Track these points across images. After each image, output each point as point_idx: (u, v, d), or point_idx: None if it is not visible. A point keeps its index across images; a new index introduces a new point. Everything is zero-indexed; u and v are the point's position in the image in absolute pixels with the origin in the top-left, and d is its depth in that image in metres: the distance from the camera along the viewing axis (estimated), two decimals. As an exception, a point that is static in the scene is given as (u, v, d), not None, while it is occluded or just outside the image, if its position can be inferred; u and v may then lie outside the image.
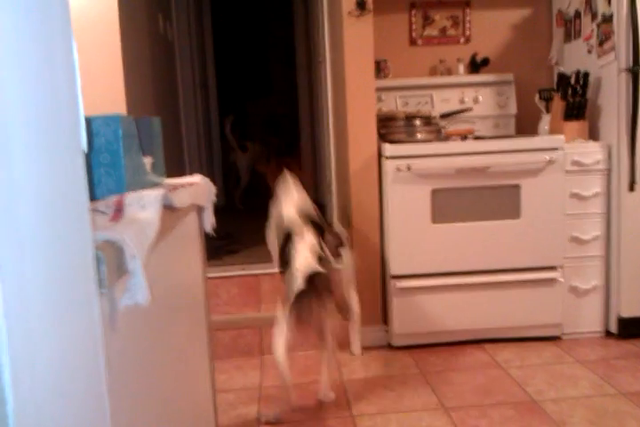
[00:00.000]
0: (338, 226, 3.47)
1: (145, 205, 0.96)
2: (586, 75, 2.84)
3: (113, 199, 0.99)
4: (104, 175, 1.09)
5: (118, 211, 0.93)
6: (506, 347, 2.74)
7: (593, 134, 2.86)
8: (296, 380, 2.49)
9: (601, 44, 2.77)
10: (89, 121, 1.09)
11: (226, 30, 6.80)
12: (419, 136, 2.88)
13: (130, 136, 1.16)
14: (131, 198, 0.98)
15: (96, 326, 0.72)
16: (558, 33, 3.24)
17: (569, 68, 3.07)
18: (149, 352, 1.01)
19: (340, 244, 3.11)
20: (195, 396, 1.43)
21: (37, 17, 0.61)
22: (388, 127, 2.92)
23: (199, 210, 1.53)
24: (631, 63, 2.60)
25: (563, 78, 2.95)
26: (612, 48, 2.67)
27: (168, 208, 1.10)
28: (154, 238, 0.91)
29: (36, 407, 0.55)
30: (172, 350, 1.20)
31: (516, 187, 2.68)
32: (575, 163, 2.71)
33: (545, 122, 3.06)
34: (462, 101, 3.28)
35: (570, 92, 2.88)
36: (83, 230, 0.69)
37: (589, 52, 2.89)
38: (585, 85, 2.84)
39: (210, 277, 2.77)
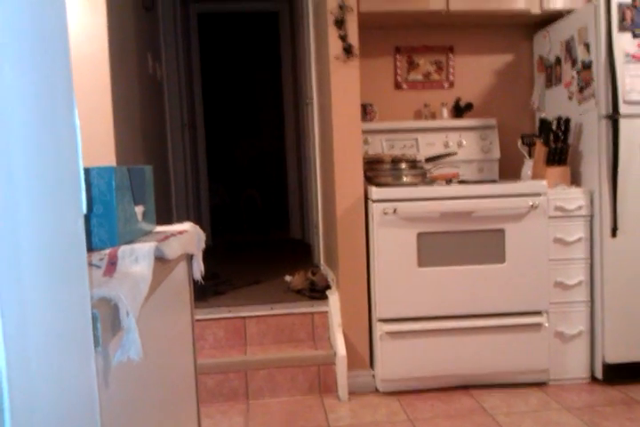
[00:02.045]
0: (324, 268, 3.48)
1: (138, 258, 0.97)
2: (567, 121, 2.91)
3: (106, 252, 0.99)
4: (97, 226, 1.10)
5: (112, 264, 0.94)
6: (493, 393, 2.73)
7: (575, 180, 2.92)
8: (278, 425, 2.46)
9: (581, 90, 2.85)
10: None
11: (214, 70, 6.90)
12: (404, 179, 2.92)
13: (123, 186, 1.18)
14: (123, 251, 0.98)
15: (91, 382, 0.72)
16: (540, 78, 3.33)
17: (551, 113, 3.15)
18: (140, 403, 1.01)
19: (327, 286, 3.12)
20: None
21: (40, 72, 0.62)
22: (375, 170, 2.97)
23: (189, 257, 1.53)
24: (611, 110, 2.67)
25: (544, 124, 3.02)
26: (592, 95, 2.75)
27: (159, 259, 1.11)
28: (147, 293, 0.91)
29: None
30: (161, 399, 1.19)
31: (501, 231, 2.72)
32: (558, 208, 2.76)
33: (528, 167, 3.12)
34: (447, 145, 3.34)
35: (552, 137, 2.95)
36: (81, 289, 0.70)
37: (570, 98, 2.97)
38: (566, 131, 2.91)
39: (196, 320, 2.75)
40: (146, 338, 0.90)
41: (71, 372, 0.66)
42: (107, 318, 0.77)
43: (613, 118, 2.67)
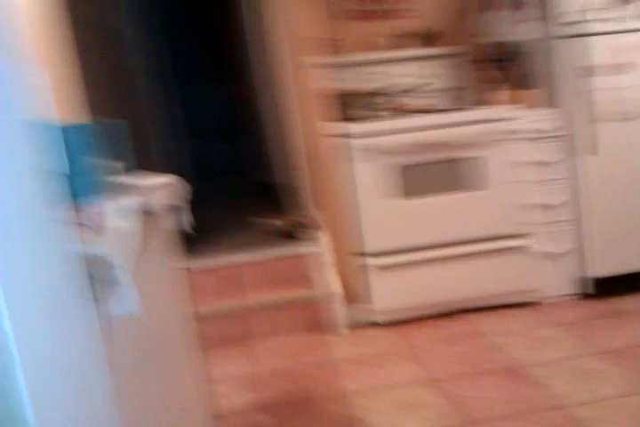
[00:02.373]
0: (313, 211, 3.50)
1: (126, 214, 0.96)
2: (534, 42, 2.85)
3: (94, 210, 0.99)
4: (79, 185, 1.09)
5: (100, 222, 0.93)
6: (488, 315, 2.81)
7: (551, 101, 2.89)
8: (284, 364, 2.53)
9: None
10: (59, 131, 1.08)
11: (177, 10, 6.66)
12: (381, 113, 2.89)
13: (100, 143, 1.16)
14: (111, 209, 0.98)
15: (95, 336, 0.73)
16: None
17: (519, 36, 3.09)
18: (141, 353, 1.03)
19: (316, 226, 3.14)
20: (188, 389, 1.44)
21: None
22: (350, 105, 2.93)
23: (174, 209, 1.53)
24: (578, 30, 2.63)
25: (513, 47, 2.97)
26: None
27: (146, 213, 1.11)
28: (138, 247, 0.92)
29: (52, 411, 0.56)
30: (161, 348, 1.21)
31: (481, 158, 2.72)
32: (536, 130, 2.76)
33: (502, 92, 3.09)
34: (420, 76, 3.29)
35: (521, 60, 2.90)
36: (73, 250, 0.70)
37: (542, 19, 2.91)
38: (532, 54, 2.86)
39: (191, 270, 2.78)
40: (141, 291, 0.91)
41: (74, 330, 0.67)
42: (102, 276, 0.77)
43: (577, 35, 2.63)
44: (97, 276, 0.74)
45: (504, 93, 3.05)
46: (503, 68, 3.05)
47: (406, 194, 2.72)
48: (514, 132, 2.70)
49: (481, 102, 3.35)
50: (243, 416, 2.15)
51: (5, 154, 0.60)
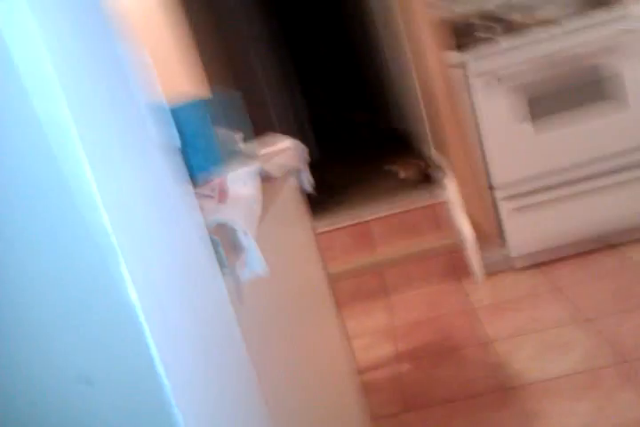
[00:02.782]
0: (436, 156, 3.44)
1: (245, 181, 1.01)
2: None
3: (216, 181, 1.04)
4: (202, 160, 1.15)
5: (223, 192, 0.98)
6: (636, 247, 2.62)
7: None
8: (423, 315, 2.55)
9: None
10: (176, 111, 1.14)
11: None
12: (496, 35, 2.69)
13: (218, 117, 1.21)
14: (231, 177, 1.03)
15: (226, 303, 0.78)
16: None
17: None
18: (276, 316, 1.08)
19: (442, 173, 3.09)
20: (327, 346, 1.50)
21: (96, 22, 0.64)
22: (462, 31, 2.75)
23: (297, 173, 1.57)
24: None
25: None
26: None
27: (266, 179, 1.15)
28: (260, 212, 0.96)
29: (190, 384, 0.61)
30: (295, 310, 1.27)
31: (615, 70, 2.48)
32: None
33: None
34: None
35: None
36: (195, 219, 0.75)
37: None
38: None
39: (321, 232, 2.85)
40: (269, 255, 0.96)
41: (204, 298, 0.72)
42: (227, 242, 0.82)
43: None
44: (222, 242, 0.78)
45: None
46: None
47: (537, 128, 2.56)
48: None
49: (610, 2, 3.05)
50: (386, 368, 2.21)
51: (131, 132, 0.65)
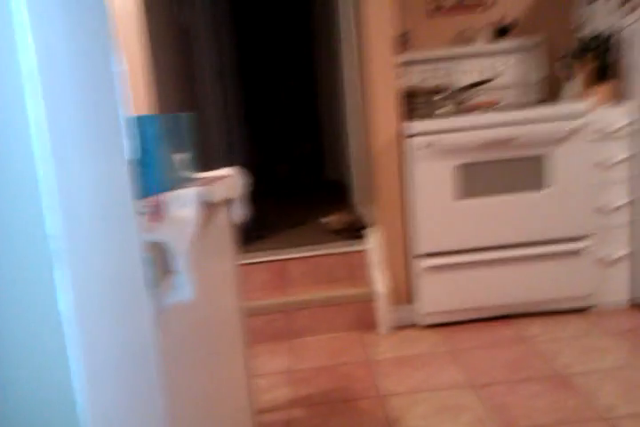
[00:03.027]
0: (362, 207, 3.51)
1: (184, 203, 1.00)
2: (610, 35, 2.79)
3: (154, 199, 1.03)
4: (141, 175, 1.13)
5: (159, 211, 0.97)
6: (534, 321, 2.77)
7: (621, 95, 2.81)
8: (325, 362, 2.56)
9: (625, 1, 2.72)
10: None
11: (244, 17, 6.76)
12: (441, 111, 2.87)
13: (164, 135, 1.20)
14: (170, 198, 1.02)
15: (148, 322, 0.76)
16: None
17: (593, 29, 3.02)
18: (190, 343, 1.06)
19: (365, 225, 3.16)
20: (232, 382, 1.48)
21: (82, 32, 0.63)
22: (410, 103, 2.91)
23: (231, 202, 1.57)
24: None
25: (587, 40, 2.90)
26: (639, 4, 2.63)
27: (204, 204, 1.14)
28: (194, 236, 0.95)
29: (102, 398, 0.59)
30: (211, 339, 1.24)
31: (542, 157, 2.67)
32: (599, 130, 2.68)
33: (569, 87, 3.02)
34: (485, 71, 3.25)
35: (595, 54, 2.83)
36: (133, 235, 0.73)
37: (612, 12, 2.84)
38: (610, 46, 2.79)
39: (241, 264, 2.82)
40: (194, 281, 0.94)
41: (127, 313, 0.70)
42: (158, 261, 0.81)
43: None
44: (154, 262, 0.77)
45: (575, 88, 2.98)
46: (577, 62, 2.97)
47: (461, 194, 2.69)
48: (577, 130, 2.63)
49: (549, 98, 3.29)
50: (281, 412, 2.19)
51: (98, 139, 0.64)
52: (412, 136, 2.66)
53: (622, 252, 2.78)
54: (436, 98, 2.88)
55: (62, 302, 0.52)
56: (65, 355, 0.53)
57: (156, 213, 0.98)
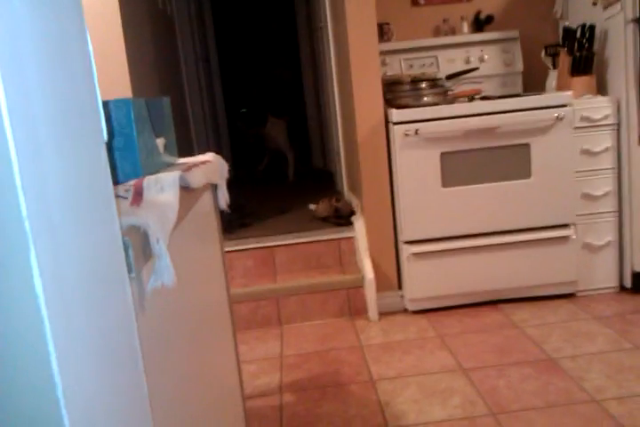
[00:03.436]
0: (348, 194, 3.49)
1: (163, 187, 0.97)
2: (591, 28, 2.79)
3: (132, 183, 1.00)
4: (120, 159, 1.10)
5: (138, 195, 0.94)
6: (521, 306, 2.78)
7: (601, 89, 2.83)
8: (315, 348, 2.55)
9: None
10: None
11: (224, 2, 6.69)
12: (425, 99, 2.86)
13: (142, 118, 1.17)
14: (149, 181, 0.99)
15: (128, 308, 0.74)
16: (562, -14, 3.18)
17: (574, 21, 3.03)
18: (176, 329, 1.04)
19: (352, 212, 3.14)
20: (220, 368, 1.46)
21: (51, 9, 0.61)
22: (394, 92, 2.90)
23: (213, 188, 1.54)
24: (638, 14, 2.55)
25: (568, 33, 2.91)
26: None
27: (185, 189, 1.12)
28: (175, 220, 0.93)
29: (81, 385, 0.57)
30: (197, 326, 1.22)
31: (526, 146, 2.67)
32: (584, 119, 2.70)
33: (552, 78, 3.03)
34: (468, 61, 3.25)
35: (576, 46, 2.84)
36: (110, 218, 0.71)
37: (594, 4, 2.84)
38: (591, 39, 2.80)
39: (225, 251, 2.80)
40: (177, 266, 0.92)
41: (107, 299, 0.68)
42: (138, 246, 0.78)
43: (640, 22, 2.55)
44: (131, 245, 0.74)
45: (556, 79, 2.98)
46: (560, 52, 2.98)
47: (447, 182, 2.69)
48: (561, 119, 2.64)
49: (532, 88, 3.29)
50: (271, 397, 2.18)
51: (69, 120, 0.61)
52: (396, 124, 2.64)
53: (608, 238, 2.79)
54: (421, 86, 2.86)
55: (38, 286, 0.50)
56: (44, 340, 0.51)
57: (136, 197, 0.95)
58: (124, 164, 1.11)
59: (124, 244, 0.74)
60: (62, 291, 0.53)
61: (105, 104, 1.12)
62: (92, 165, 0.69)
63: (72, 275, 0.57)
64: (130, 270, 0.75)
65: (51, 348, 0.51)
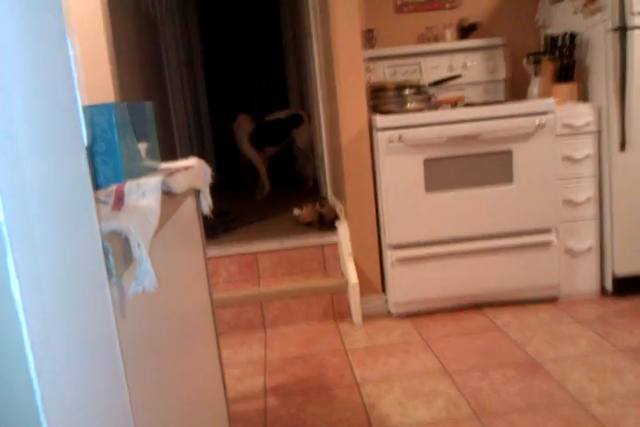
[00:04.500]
0: (332, 200, 3.50)
1: (145, 192, 0.97)
2: (573, 35, 2.83)
3: (113, 188, 1.00)
4: (101, 164, 1.10)
5: (119, 199, 0.94)
6: (504, 310, 2.80)
7: (583, 96, 2.87)
8: (299, 352, 2.55)
9: (587, 4, 2.76)
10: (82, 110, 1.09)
11: (211, 8, 6.69)
12: (409, 106, 2.88)
13: (124, 123, 1.17)
14: (130, 186, 0.99)
15: (108, 313, 0.74)
16: (544, -6, 3.22)
17: (557, 29, 3.06)
18: (158, 335, 1.04)
19: (336, 217, 3.15)
20: (203, 373, 1.46)
21: (32, 13, 0.61)
22: (378, 98, 2.92)
23: (196, 193, 1.54)
24: (618, 22, 2.59)
25: (550, 40, 2.94)
26: (599, 8, 2.66)
27: (167, 194, 1.12)
28: (156, 225, 0.93)
29: (60, 391, 0.57)
30: (179, 331, 1.22)
31: (508, 152, 2.70)
32: (566, 126, 2.72)
33: (534, 85, 3.06)
34: (451, 68, 3.27)
35: (558, 54, 2.87)
36: (90, 223, 0.71)
37: (576, 12, 2.88)
38: (573, 46, 2.83)
39: (209, 257, 2.80)
40: (159, 271, 0.92)
41: (87, 304, 0.68)
42: (118, 251, 0.78)
43: (621, 31, 2.59)
44: (113, 251, 0.74)
45: (538, 86, 3.01)
46: (543, 59, 3.01)
47: (430, 187, 2.70)
48: (543, 126, 2.67)
49: (515, 95, 3.32)
50: (255, 401, 2.17)
51: (50, 124, 0.61)
52: (381, 130, 2.66)
53: (590, 243, 2.82)
54: (405, 93, 2.88)
55: (15, 291, 0.50)
56: (22, 345, 0.51)
57: (117, 202, 0.95)
58: (106, 168, 1.11)
59: (105, 249, 0.74)
60: (40, 296, 0.53)
61: (87, 109, 1.12)
62: (72, 169, 0.69)
63: (51, 280, 0.57)
64: (110, 275, 0.75)
65: (29, 353, 0.51)
